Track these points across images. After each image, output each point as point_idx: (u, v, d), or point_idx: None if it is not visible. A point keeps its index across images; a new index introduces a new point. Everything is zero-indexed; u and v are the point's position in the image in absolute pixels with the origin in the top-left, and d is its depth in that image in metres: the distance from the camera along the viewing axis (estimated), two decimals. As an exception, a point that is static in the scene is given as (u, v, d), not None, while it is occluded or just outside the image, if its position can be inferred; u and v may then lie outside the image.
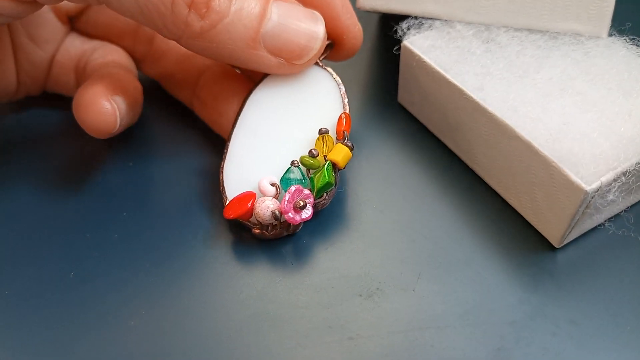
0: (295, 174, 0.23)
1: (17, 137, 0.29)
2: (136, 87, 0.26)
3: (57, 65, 0.28)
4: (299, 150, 0.23)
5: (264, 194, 0.23)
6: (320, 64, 0.25)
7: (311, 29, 0.22)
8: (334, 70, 0.25)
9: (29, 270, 0.23)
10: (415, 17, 0.27)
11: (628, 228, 0.23)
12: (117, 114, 0.23)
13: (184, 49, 0.27)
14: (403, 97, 0.29)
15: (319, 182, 0.23)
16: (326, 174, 0.23)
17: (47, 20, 0.27)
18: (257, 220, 0.23)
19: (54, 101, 0.30)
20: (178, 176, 0.27)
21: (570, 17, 0.25)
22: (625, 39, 0.25)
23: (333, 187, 0.23)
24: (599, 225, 0.24)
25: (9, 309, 0.22)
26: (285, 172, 0.23)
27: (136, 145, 0.28)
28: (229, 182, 0.24)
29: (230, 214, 0.23)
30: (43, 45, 0.27)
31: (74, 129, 0.29)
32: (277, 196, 0.23)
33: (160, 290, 0.22)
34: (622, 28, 0.26)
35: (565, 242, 0.23)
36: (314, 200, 0.23)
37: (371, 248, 0.23)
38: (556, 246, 0.23)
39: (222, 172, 0.24)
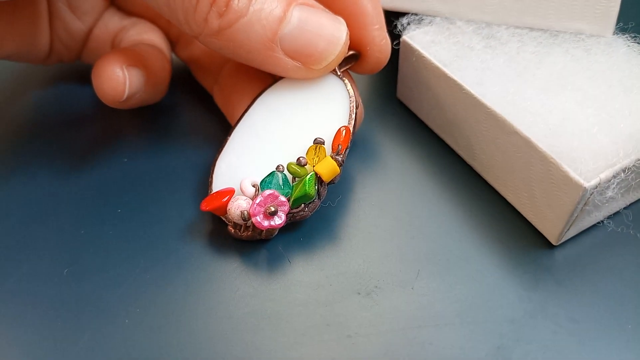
0: (276, 179, 0.22)
1: (9, 133, 0.28)
2: (163, 66, 0.26)
3: (95, 38, 0.28)
4: (293, 157, 0.23)
5: (243, 193, 0.22)
6: (339, 74, 0.24)
7: (332, 34, 0.22)
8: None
9: (22, 267, 0.23)
10: (417, 13, 0.27)
11: (627, 225, 0.23)
12: (127, 82, 0.24)
13: None
14: (402, 93, 0.29)
15: (297, 191, 0.22)
16: (306, 185, 0.22)
17: None
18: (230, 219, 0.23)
19: (47, 98, 0.29)
20: (175, 172, 0.26)
21: (575, 16, 0.25)
22: (627, 37, 0.25)
23: (314, 199, 0.22)
24: (598, 222, 0.24)
25: (0, 306, 0.22)
26: (267, 175, 0.22)
27: (132, 141, 0.28)
28: (218, 177, 0.24)
29: (205, 206, 0.22)
30: (82, 16, 0.27)
31: (68, 124, 0.29)
32: (255, 198, 0.22)
33: (156, 288, 0.22)
34: (626, 27, 0.26)
35: (564, 239, 0.23)
36: (290, 209, 0.22)
37: (369, 245, 0.23)
38: (554, 244, 0.23)
39: (214, 165, 0.24)
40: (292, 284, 0.22)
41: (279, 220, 0.22)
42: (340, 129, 0.23)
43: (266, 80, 0.26)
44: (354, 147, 0.27)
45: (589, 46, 0.25)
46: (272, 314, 0.21)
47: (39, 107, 0.30)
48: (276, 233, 0.23)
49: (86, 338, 0.21)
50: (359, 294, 0.22)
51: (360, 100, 0.25)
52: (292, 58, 0.22)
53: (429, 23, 0.27)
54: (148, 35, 0.28)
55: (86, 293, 0.22)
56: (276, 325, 0.21)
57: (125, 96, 0.24)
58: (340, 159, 0.22)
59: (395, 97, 0.30)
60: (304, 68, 0.22)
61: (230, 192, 0.22)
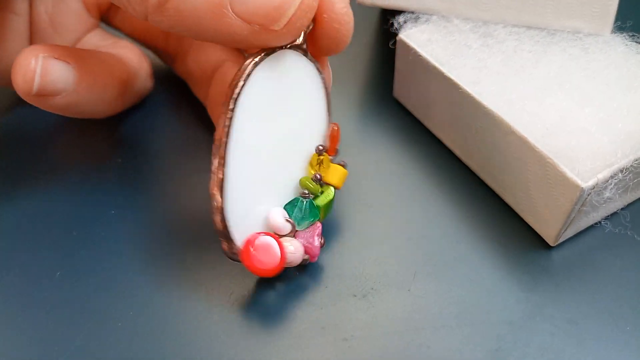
0: (312, 210, 0.21)
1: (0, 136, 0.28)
2: (111, 73, 0.24)
3: None
4: (296, 170, 0.22)
5: (277, 232, 0.21)
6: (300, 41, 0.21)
7: None
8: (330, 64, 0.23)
9: (13, 269, 0.22)
10: (413, 11, 0.27)
11: (625, 226, 0.23)
12: (38, 72, 0.21)
13: (205, 46, 0.26)
14: (399, 92, 0.29)
15: (324, 211, 0.22)
16: (332, 204, 0.22)
17: (73, 9, 0.26)
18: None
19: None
20: (168, 174, 0.26)
21: (573, 15, 0.25)
22: (624, 36, 0.25)
23: None
24: (595, 223, 0.23)
25: (-8, 309, 0.21)
26: (293, 205, 0.21)
27: (126, 141, 0.28)
28: (234, 218, 0.20)
29: (264, 271, 0.19)
30: (64, 34, 0.26)
31: (59, 127, 0.28)
32: (292, 234, 0.21)
33: (149, 291, 0.22)
34: (624, 25, 0.26)
35: (561, 240, 0.23)
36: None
37: (365, 246, 0.23)
38: (551, 245, 0.23)
39: (223, 206, 0.19)
40: (287, 286, 0.22)
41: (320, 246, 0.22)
42: (332, 129, 0.22)
43: None
44: (350, 147, 0.26)
45: (586, 45, 0.25)
46: (267, 317, 0.21)
47: (28, 109, 0.29)
48: None
49: (78, 341, 0.20)
50: (355, 296, 0.22)
51: (326, 63, 0.23)
52: (248, 21, 0.19)
53: (426, 21, 0.27)
54: (119, 50, 0.27)
55: (78, 295, 0.22)
56: (271, 329, 0.21)
57: (35, 88, 0.22)
58: (343, 162, 0.22)
59: (391, 95, 0.30)
60: (263, 31, 0.19)
61: (272, 246, 0.20)
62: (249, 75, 0.20)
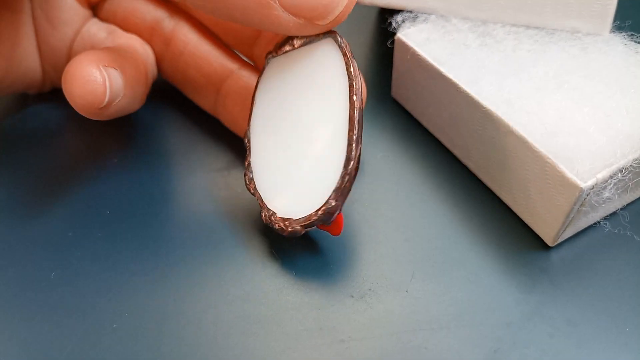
0: None
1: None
2: (139, 68, 0.24)
3: (75, 52, 0.26)
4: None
5: None
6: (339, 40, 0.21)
7: None
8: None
9: (7, 271, 0.22)
10: (411, 11, 0.27)
11: (624, 226, 0.23)
12: (108, 85, 0.21)
13: (204, 51, 0.25)
14: (397, 92, 0.29)
15: None
16: None
17: (65, 1, 0.26)
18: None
19: (35, 99, 0.29)
20: (164, 174, 0.26)
21: (572, 14, 0.25)
22: (624, 35, 0.25)
23: None
24: (594, 223, 0.23)
25: (-14, 311, 0.21)
26: None
27: (121, 141, 0.28)
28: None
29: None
30: (61, 27, 0.26)
31: (52, 127, 0.28)
32: None
33: (145, 292, 0.22)
34: (623, 25, 0.25)
35: (560, 240, 0.23)
36: None
37: (363, 247, 0.23)
38: (550, 245, 0.23)
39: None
40: (284, 287, 0.22)
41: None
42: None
43: None
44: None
45: (585, 45, 0.25)
46: (264, 318, 0.21)
47: (26, 108, 0.29)
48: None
49: (74, 343, 0.20)
50: (352, 297, 0.21)
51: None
52: (294, 14, 0.19)
53: (424, 21, 0.26)
54: (123, 40, 0.26)
55: (73, 297, 0.22)
56: (267, 330, 0.21)
57: (106, 101, 0.21)
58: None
59: (389, 95, 0.29)
60: (308, 24, 0.19)
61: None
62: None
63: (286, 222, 0.21)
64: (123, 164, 0.26)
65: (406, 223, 0.24)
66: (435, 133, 0.27)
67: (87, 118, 0.28)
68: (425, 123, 0.28)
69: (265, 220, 0.22)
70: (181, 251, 0.23)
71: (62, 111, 0.29)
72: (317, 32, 0.20)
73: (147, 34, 0.27)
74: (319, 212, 0.20)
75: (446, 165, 0.26)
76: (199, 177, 0.26)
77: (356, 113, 0.19)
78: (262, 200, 0.22)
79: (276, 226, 0.21)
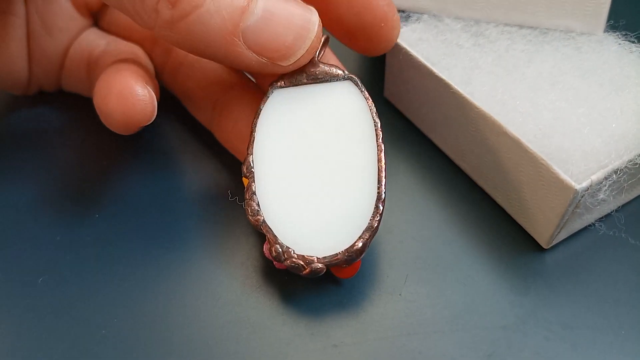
0: None
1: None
2: (155, 81, 0.24)
3: (69, 58, 0.26)
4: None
5: None
6: (329, 66, 0.22)
7: (302, 26, 0.20)
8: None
9: (-6, 276, 0.22)
10: (404, 10, 0.26)
11: (619, 228, 0.23)
12: (155, 102, 0.21)
13: (203, 63, 0.25)
14: (389, 92, 0.29)
15: None
16: None
17: (63, 9, 0.26)
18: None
19: (24, 109, 0.28)
20: (154, 176, 0.26)
21: (566, 14, 0.25)
22: (617, 35, 0.25)
23: None
24: (589, 225, 0.23)
25: (-28, 317, 0.21)
26: None
27: (110, 145, 0.27)
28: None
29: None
30: (56, 33, 0.25)
31: (40, 130, 0.28)
32: None
33: (134, 297, 0.21)
34: (617, 24, 0.25)
35: (554, 242, 0.23)
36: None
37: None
38: (545, 247, 0.23)
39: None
40: (276, 291, 0.21)
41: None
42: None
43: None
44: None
45: (579, 44, 0.25)
46: (256, 323, 0.21)
47: (15, 111, 0.29)
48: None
49: (62, 349, 0.20)
50: (345, 301, 0.21)
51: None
52: (257, 53, 0.19)
53: (417, 20, 0.26)
54: (128, 49, 0.26)
55: (62, 302, 0.21)
56: (259, 335, 0.20)
57: (152, 119, 0.21)
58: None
59: (382, 96, 0.29)
60: (270, 64, 0.20)
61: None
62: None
63: (307, 260, 0.20)
64: (112, 167, 0.26)
65: (399, 225, 0.23)
66: (428, 134, 0.27)
67: (72, 121, 0.28)
68: (418, 124, 0.27)
69: (274, 254, 0.20)
70: (171, 255, 0.23)
71: (48, 116, 0.28)
72: (280, 72, 0.21)
73: (149, 43, 0.26)
74: (348, 251, 0.20)
75: (439, 167, 0.26)
76: (188, 182, 0.25)
77: (384, 157, 0.21)
78: (272, 235, 0.20)
79: (290, 263, 0.20)
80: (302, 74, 0.21)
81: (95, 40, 0.26)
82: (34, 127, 0.28)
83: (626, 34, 0.25)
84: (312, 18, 0.20)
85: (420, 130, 0.27)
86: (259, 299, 0.21)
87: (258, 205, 0.21)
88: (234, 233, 0.23)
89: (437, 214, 0.24)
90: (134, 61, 0.24)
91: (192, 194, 0.25)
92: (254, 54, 0.19)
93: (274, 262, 0.21)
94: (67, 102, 0.29)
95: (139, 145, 0.27)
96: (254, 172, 0.21)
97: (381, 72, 0.28)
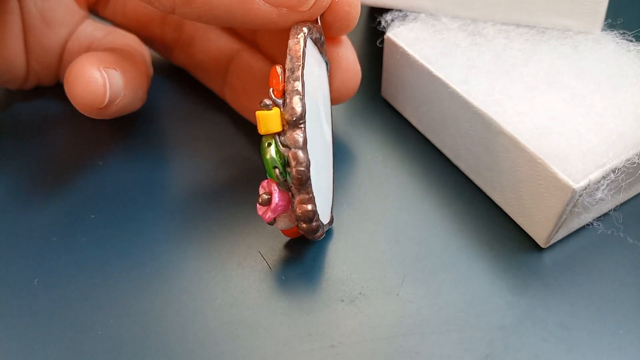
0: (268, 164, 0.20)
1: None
2: (140, 69, 0.25)
3: (68, 52, 0.27)
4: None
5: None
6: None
7: None
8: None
9: (-11, 277, 0.22)
10: (401, 10, 0.26)
11: (617, 228, 0.23)
12: (107, 85, 0.22)
13: (211, 34, 0.26)
14: (387, 91, 0.29)
15: (265, 162, 0.19)
16: (263, 150, 0.19)
17: (62, 2, 0.26)
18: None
19: (16, 101, 0.28)
20: (149, 177, 0.25)
21: (563, 12, 0.24)
22: (615, 34, 0.25)
23: (284, 155, 0.19)
24: (587, 224, 0.23)
25: (-34, 319, 0.21)
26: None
27: (107, 144, 0.27)
28: None
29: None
30: (57, 28, 0.26)
31: (35, 130, 0.28)
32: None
33: (130, 298, 0.21)
34: (614, 23, 0.25)
35: (552, 242, 0.23)
36: (274, 182, 0.19)
37: (353, 250, 0.23)
38: (542, 246, 0.23)
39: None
40: (273, 291, 0.21)
41: (274, 201, 0.19)
42: (273, 67, 0.20)
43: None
44: (338, 148, 0.26)
45: (577, 43, 0.25)
46: (252, 323, 0.20)
47: (8, 108, 0.28)
48: (308, 212, 0.20)
49: (58, 350, 0.20)
50: (343, 301, 0.21)
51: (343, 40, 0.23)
52: (275, 5, 0.20)
53: (414, 19, 0.26)
54: (122, 40, 0.27)
55: (57, 303, 0.21)
56: (256, 336, 0.20)
57: (106, 101, 0.22)
58: (267, 102, 0.19)
59: (379, 95, 0.29)
60: (290, 13, 0.20)
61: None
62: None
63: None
64: (108, 167, 0.26)
65: (396, 225, 0.23)
66: (426, 133, 0.27)
67: (71, 120, 0.28)
68: (415, 123, 0.27)
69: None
70: (167, 256, 0.23)
71: (42, 113, 0.28)
72: (303, 19, 0.20)
73: (158, 24, 0.27)
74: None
75: (437, 166, 0.26)
76: (184, 182, 0.25)
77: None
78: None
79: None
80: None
81: (93, 32, 0.27)
82: (24, 124, 0.28)
83: (624, 33, 0.25)
84: None
85: (418, 130, 0.27)
86: (255, 300, 0.21)
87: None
88: (231, 233, 0.23)
89: (434, 213, 0.24)
90: (113, 50, 0.25)
91: (188, 194, 0.25)
92: (272, 7, 0.20)
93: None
94: (62, 95, 0.28)
95: (134, 144, 0.27)
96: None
97: (378, 72, 0.28)
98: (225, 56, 0.27)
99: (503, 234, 0.23)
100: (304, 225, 0.20)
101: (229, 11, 0.20)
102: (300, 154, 0.19)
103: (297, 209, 0.19)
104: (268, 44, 0.25)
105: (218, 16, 0.20)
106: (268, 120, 0.19)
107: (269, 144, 0.19)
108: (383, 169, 0.26)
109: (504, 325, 0.20)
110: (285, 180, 0.19)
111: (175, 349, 0.20)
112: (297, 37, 0.20)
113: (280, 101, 0.19)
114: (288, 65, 0.19)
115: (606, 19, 0.25)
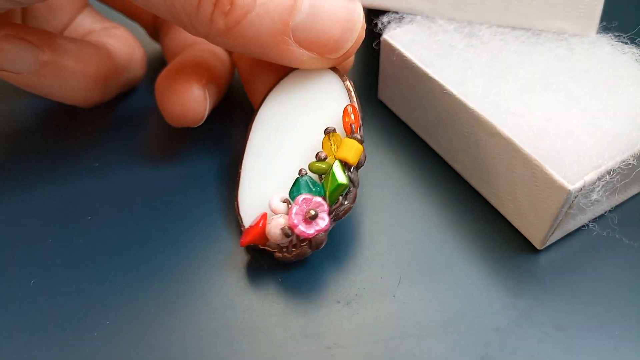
0: (304, 184, 0.20)
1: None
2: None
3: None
4: (309, 158, 0.21)
5: (275, 213, 0.21)
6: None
7: (348, 18, 0.21)
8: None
9: (-16, 279, 0.22)
10: (397, 12, 0.26)
11: (612, 229, 0.23)
12: (208, 104, 0.23)
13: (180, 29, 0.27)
14: (383, 94, 0.29)
15: (329, 185, 0.20)
16: (335, 175, 0.20)
17: None
18: (273, 243, 0.21)
19: (15, 97, 0.28)
20: (146, 178, 0.25)
21: (558, 15, 0.25)
22: (610, 36, 0.25)
23: (349, 187, 0.20)
24: (583, 226, 0.23)
25: (-38, 321, 0.21)
26: (293, 185, 0.21)
27: (103, 145, 0.27)
28: (244, 208, 0.22)
29: (244, 240, 0.21)
30: (58, 13, 0.26)
31: (31, 129, 0.28)
32: (289, 211, 0.21)
33: (126, 300, 0.21)
34: (609, 26, 0.25)
35: (548, 243, 0.23)
36: (329, 207, 0.20)
37: (349, 252, 0.23)
38: (538, 248, 0.23)
39: (237, 200, 0.23)
40: (269, 293, 0.21)
41: (323, 222, 0.20)
42: (345, 107, 0.21)
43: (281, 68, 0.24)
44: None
45: (572, 45, 0.25)
46: (248, 326, 0.20)
47: (6, 109, 0.28)
48: (326, 241, 0.21)
49: (53, 351, 0.20)
50: (339, 302, 0.21)
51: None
52: (307, 49, 0.20)
53: (410, 22, 0.26)
54: (110, 40, 0.27)
55: (53, 305, 0.21)
56: (252, 338, 0.20)
57: (204, 119, 0.23)
58: (358, 136, 0.21)
59: (376, 98, 0.29)
60: (320, 58, 0.21)
61: (263, 216, 0.21)
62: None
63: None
64: (104, 169, 0.26)
65: (393, 227, 0.23)
66: (422, 135, 0.27)
67: (67, 121, 0.28)
68: (412, 125, 0.27)
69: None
70: (163, 259, 0.22)
71: (36, 113, 0.28)
72: (330, 65, 0.22)
73: (152, 14, 0.28)
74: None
75: (433, 168, 0.26)
76: (181, 184, 0.25)
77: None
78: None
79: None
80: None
81: (89, 25, 0.27)
82: (25, 126, 0.28)
83: (619, 35, 0.25)
84: (356, 9, 0.21)
85: (414, 132, 0.27)
86: (251, 302, 0.21)
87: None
88: (227, 237, 0.23)
89: (430, 215, 0.24)
90: (206, 51, 0.25)
91: (184, 197, 0.25)
92: (304, 50, 0.20)
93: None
94: (45, 102, 0.28)
95: (130, 146, 0.27)
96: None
97: (375, 74, 0.28)
98: (185, 45, 0.26)
99: (499, 236, 0.23)
100: (310, 250, 0.21)
101: (262, 47, 0.20)
102: (355, 193, 0.21)
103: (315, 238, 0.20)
104: (246, 69, 0.26)
105: (252, 51, 0.20)
106: (357, 152, 0.21)
107: (344, 171, 0.20)
108: (379, 171, 0.26)
109: (500, 327, 0.20)
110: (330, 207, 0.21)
111: (171, 352, 0.20)
112: (352, 94, 0.22)
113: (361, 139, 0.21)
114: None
115: (601, 21, 0.25)
